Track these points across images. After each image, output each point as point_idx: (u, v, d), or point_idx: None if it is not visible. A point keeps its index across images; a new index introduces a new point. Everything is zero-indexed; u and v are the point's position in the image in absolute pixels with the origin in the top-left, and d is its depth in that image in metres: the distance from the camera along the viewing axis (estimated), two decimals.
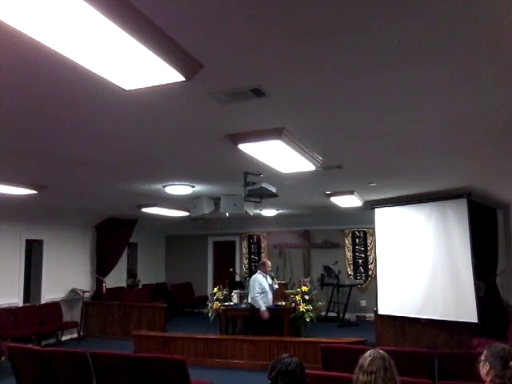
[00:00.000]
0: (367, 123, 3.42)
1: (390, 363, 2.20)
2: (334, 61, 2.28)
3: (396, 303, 7.60)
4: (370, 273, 11.12)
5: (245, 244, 12.63)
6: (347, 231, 11.48)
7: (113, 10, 1.66)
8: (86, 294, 9.65)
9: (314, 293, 8.20)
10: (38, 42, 1.85)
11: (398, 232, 7.77)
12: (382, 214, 8.11)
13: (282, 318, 7.61)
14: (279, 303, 7.84)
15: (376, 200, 7.84)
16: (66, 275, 9.38)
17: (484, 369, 2.34)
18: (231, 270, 11.36)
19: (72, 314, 9.39)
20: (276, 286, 7.43)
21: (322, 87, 2.64)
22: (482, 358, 2.39)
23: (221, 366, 6.83)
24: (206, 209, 6.66)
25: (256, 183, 5.24)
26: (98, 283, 10.04)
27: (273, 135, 3.48)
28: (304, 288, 7.84)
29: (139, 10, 1.75)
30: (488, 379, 2.31)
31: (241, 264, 12.60)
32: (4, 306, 7.93)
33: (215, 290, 8.37)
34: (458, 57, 2.26)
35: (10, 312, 7.96)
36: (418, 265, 7.33)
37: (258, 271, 7.44)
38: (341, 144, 4.09)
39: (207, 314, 8.29)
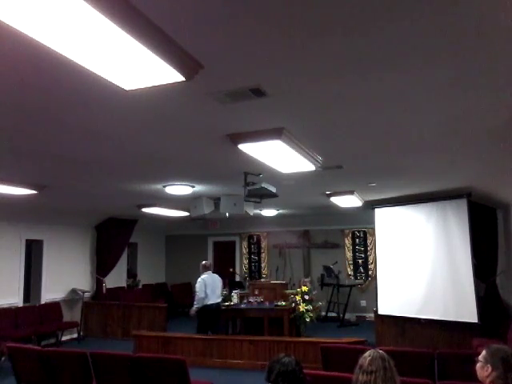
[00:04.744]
0: (367, 123, 3.42)
1: (390, 363, 2.20)
2: (334, 61, 2.28)
3: (396, 303, 7.60)
4: (370, 273, 11.12)
5: (245, 244, 12.63)
6: (347, 231, 11.48)
7: (113, 10, 1.66)
8: (86, 294, 9.65)
9: (314, 293, 8.21)
10: (38, 42, 1.85)
11: (398, 232, 7.77)
12: (382, 214, 8.11)
13: (281, 318, 7.63)
14: (279, 303, 7.85)
15: (376, 200, 7.84)
16: (66, 275, 9.37)
17: (484, 370, 2.31)
18: (231, 270, 11.36)
19: (72, 314, 9.38)
20: None
21: (321, 87, 2.64)
22: (481, 359, 2.35)
23: (221, 366, 6.84)
24: (206, 209, 6.66)
25: (256, 183, 5.24)
26: (98, 283, 10.04)
27: (273, 135, 3.48)
28: (304, 288, 7.85)
29: (139, 10, 1.75)
30: (488, 381, 2.29)
31: (241, 264, 12.61)
32: (4, 306, 7.93)
33: None
34: (458, 57, 2.26)
35: (10, 312, 7.96)
36: (418, 265, 7.33)
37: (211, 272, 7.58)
38: (341, 144, 4.09)
39: None
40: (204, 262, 7.76)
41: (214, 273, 7.70)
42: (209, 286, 7.33)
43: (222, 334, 7.59)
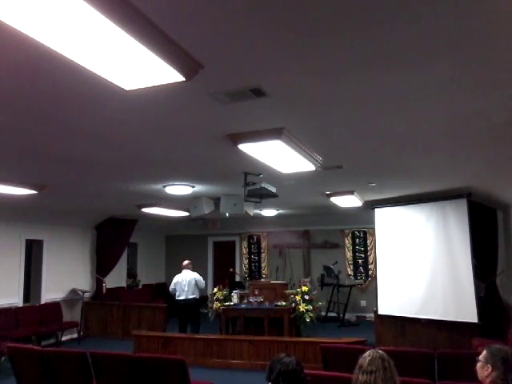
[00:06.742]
0: (367, 123, 3.42)
1: (390, 363, 2.20)
2: (334, 60, 2.28)
3: (396, 303, 7.60)
4: (370, 273, 11.12)
5: (245, 244, 12.63)
6: (347, 231, 11.49)
7: (113, 10, 1.66)
8: (86, 294, 9.65)
9: (313, 293, 8.20)
10: (38, 42, 1.85)
11: (398, 232, 7.76)
12: (382, 214, 8.11)
13: (281, 318, 7.63)
14: (279, 303, 7.85)
15: (376, 200, 7.84)
16: (66, 275, 9.38)
17: (485, 370, 2.32)
18: (231, 270, 11.36)
19: (72, 314, 9.39)
20: None
21: (322, 87, 2.64)
22: (481, 359, 2.36)
23: (221, 366, 6.83)
24: (206, 209, 6.66)
25: (256, 183, 5.24)
26: (98, 283, 10.04)
27: (273, 135, 3.48)
28: (304, 288, 7.84)
29: (139, 10, 1.75)
30: (488, 381, 2.30)
31: (241, 264, 12.61)
32: (4, 306, 7.93)
33: (215, 290, 8.39)
34: (459, 57, 2.26)
35: (10, 312, 7.96)
36: (418, 265, 7.33)
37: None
38: (341, 144, 4.09)
39: (207, 313, 8.31)
40: (185, 262, 8.38)
41: (193, 271, 8.31)
42: (177, 283, 8.09)
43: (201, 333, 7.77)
